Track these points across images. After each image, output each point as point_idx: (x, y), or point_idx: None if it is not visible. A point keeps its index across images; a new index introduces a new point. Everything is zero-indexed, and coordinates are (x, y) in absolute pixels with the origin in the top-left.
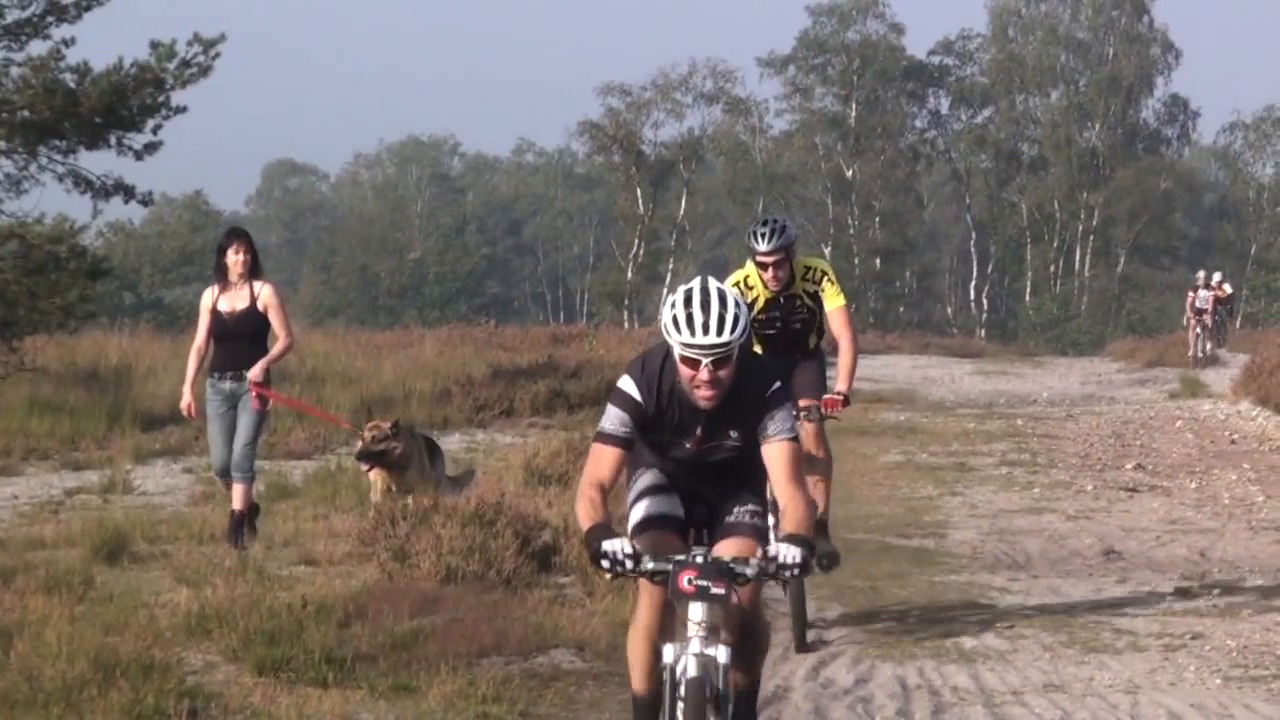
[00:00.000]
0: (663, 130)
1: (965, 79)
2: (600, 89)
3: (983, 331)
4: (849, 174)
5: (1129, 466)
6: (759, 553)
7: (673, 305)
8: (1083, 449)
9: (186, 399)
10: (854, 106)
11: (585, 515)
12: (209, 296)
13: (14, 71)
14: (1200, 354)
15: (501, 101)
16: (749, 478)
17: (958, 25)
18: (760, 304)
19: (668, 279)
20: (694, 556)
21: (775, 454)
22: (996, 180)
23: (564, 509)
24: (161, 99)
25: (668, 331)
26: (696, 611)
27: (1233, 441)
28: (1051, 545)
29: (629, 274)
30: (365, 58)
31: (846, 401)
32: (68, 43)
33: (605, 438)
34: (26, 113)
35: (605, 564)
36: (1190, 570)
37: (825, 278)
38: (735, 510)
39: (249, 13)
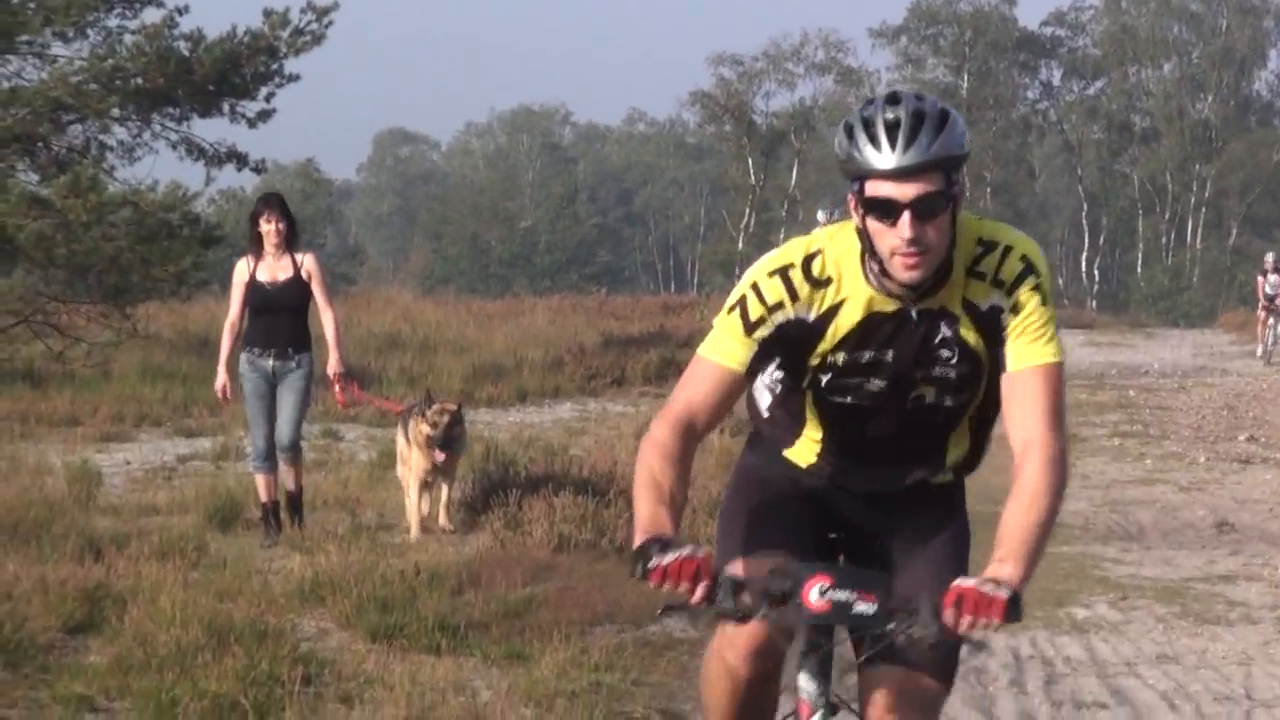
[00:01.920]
0: (774, 100)
1: (1077, 50)
2: (712, 59)
3: (1094, 303)
4: None
5: (1241, 439)
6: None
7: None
8: (1195, 421)
9: (222, 379)
10: (966, 77)
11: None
12: (244, 268)
13: (128, 39)
14: (1270, 346)
15: (613, 71)
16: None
17: None
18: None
19: None
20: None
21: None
22: (1108, 151)
23: None
24: (274, 67)
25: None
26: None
27: None
28: (1164, 517)
29: (740, 244)
30: (477, 26)
31: None
32: (181, 10)
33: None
34: (140, 80)
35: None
36: None
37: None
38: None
39: None
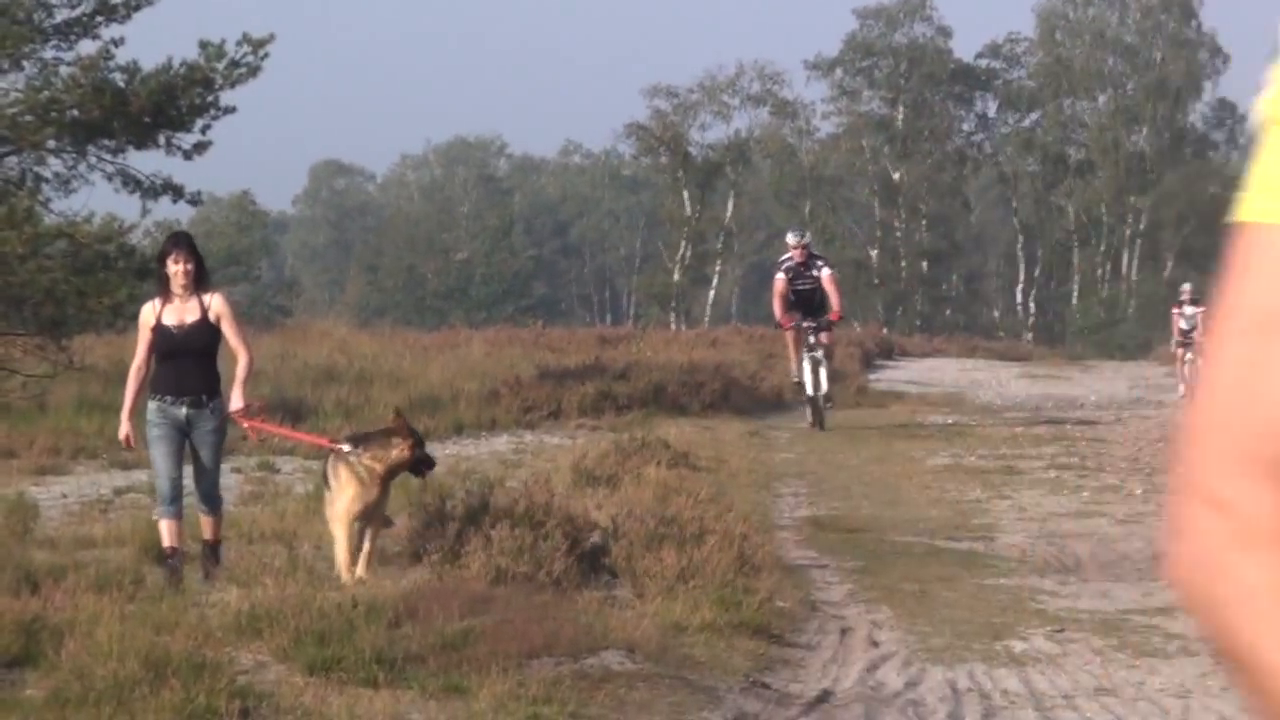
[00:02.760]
0: (710, 132)
1: (1012, 82)
2: (647, 91)
3: (1030, 335)
4: (896, 177)
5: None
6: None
7: None
8: (1131, 453)
9: (125, 429)
10: (901, 109)
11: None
12: (150, 311)
13: (63, 71)
14: (1191, 381)
15: (548, 103)
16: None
17: (1005, 29)
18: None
19: (714, 281)
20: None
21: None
22: (1043, 183)
23: (613, 510)
24: (210, 99)
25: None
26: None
27: None
28: (1101, 549)
29: (676, 275)
30: (412, 59)
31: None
32: (117, 42)
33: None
34: (76, 112)
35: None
36: None
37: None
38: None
39: (296, 12)
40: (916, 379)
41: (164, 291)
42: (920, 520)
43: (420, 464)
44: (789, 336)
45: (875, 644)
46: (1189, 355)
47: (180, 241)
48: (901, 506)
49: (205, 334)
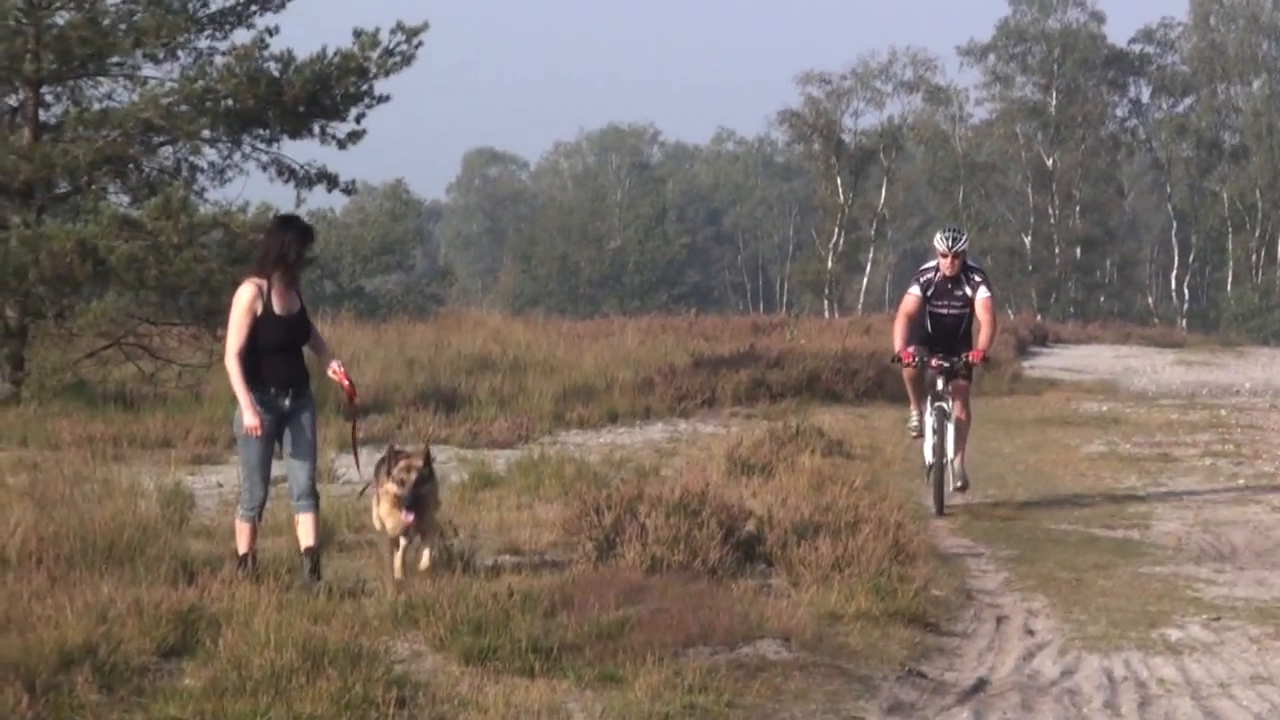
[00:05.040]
0: (863, 119)
1: (1166, 67)
2: (800, 78)
3: (1184, 321)
4: (1049, 163)
5: None
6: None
7: None
8: None
9: (257, 417)
10: (1054, 95)
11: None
12: (256, 296)
13: (218, 60)
14: None
15: (701, 90)
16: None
17: (1159, 13)
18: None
19: (867, 268)
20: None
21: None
22: (1198, 169)
23: (768, 499)
24: (364, 88)
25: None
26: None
27: None
28: (1257, 536)
29: (829, 263)
30: (566, 46)
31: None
32: (271, 31)
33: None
34: (230, 102)
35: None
36: None
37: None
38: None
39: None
40: (1070, 366)
41: (275, 274)
42: (1076, 508)
43: (410, 500)
44: (906, 375)
45: (1031, 632)
46: None
47: (299, 226)
48: (1057, 494)
49: (306, 323)
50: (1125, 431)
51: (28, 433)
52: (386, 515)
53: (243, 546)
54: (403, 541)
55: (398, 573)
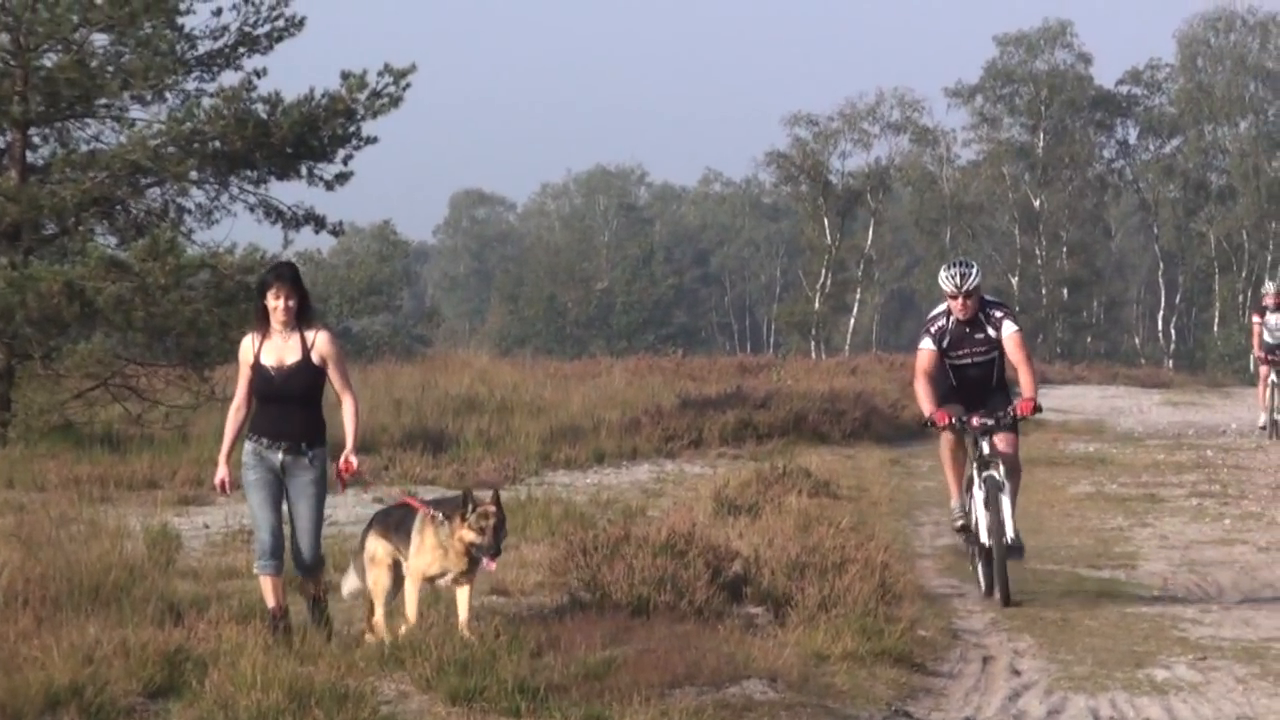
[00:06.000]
0: (850, 160)
1: (1153, 109)
2: (787, 119)
3: (1170, 362)
4: (1036, 204)
5: None
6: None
7: None
8: (1274, 480)
9: (222, 473)
10: (1042, 136)
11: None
12: (248, 347)
13: (206, 102)
14: (1275, 417)
15: (688, 131)
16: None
17: (1146, 55)
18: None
19: (854, 309)
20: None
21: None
22: (1184, 210)
23: (754, 540)
24: (352, 129)
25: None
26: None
27: None
28: (1243, 577)
29: (816, 304)
30: (552, 88)
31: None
32: (259, 73)
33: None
34: (218, 143)
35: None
36: None
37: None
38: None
39: (438, 42)
40: (1057, 406)
41: (263, 326)
42: (1062, 548)
43: (495, 548)
44: (943, 441)
45: (1017, 672)
46: (1274, 376)
47: (282, 274)
48: (1043, 535)
49: (306, 376)
50: (1112, 472)
51: (14, 474)
52: (450, 560)
53: (269, 601)
54: (435, 584)
55: (413, 616)
